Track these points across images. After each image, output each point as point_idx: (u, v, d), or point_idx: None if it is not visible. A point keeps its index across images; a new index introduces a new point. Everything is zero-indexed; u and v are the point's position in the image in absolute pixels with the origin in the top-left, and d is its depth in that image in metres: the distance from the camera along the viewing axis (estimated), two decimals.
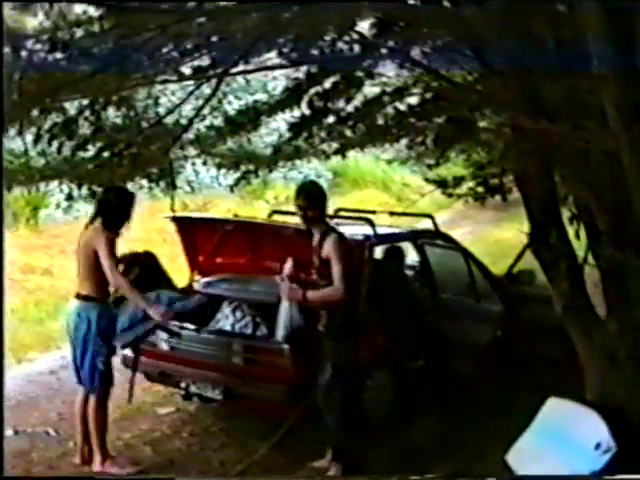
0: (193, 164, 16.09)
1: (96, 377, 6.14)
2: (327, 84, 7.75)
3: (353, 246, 6.73)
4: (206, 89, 7.80)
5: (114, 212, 6.17)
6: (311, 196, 6.16)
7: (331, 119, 8.42)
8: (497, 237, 18.92)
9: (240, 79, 20.47)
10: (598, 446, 5.47)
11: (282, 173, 20.54)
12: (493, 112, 7.31)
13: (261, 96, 17.30)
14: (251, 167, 8.95)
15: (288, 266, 6.15)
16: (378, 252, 7.60)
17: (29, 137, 5.63)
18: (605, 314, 5.85)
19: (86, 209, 16.57)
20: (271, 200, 21.73)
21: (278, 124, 12.85)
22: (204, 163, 10.45)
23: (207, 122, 8.03)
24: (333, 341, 6.10)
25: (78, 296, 6.17)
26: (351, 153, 10.04)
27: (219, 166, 9.30)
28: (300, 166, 21.12)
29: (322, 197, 6.20)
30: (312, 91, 7.90)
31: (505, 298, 7.69)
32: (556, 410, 6.04)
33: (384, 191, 27.09)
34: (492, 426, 6.83)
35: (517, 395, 7.14)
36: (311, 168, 23.07)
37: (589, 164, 5.17)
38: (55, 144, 5.33)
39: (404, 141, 10.33)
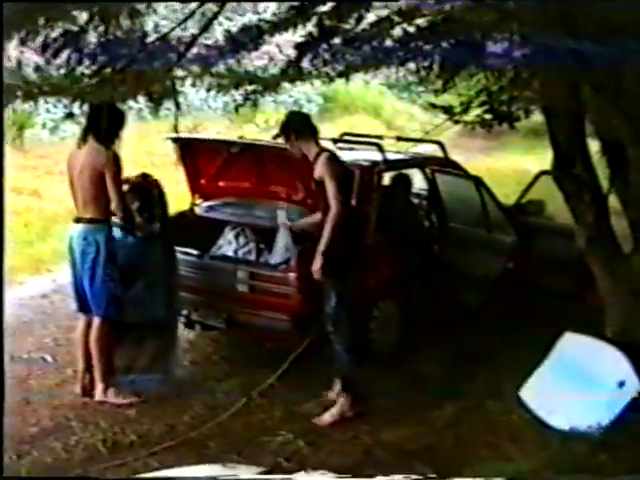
0: (182, 86, 15.74)
1: (108, 301, 5.94)
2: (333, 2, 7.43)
3: (362, 171, 6.50)
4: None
5: (107, 127, 5.90)
6: (283, 129, 6.03)
7: (336, 40, 8.11)
8: (489, 166, 18.67)
9: None
10: (622, 384, 5.33)
11: (272, 97, 20.22)
12: (510, 33, 7.02)
13: (252, 17, 16.88)
14: (255, 88, 8.65)
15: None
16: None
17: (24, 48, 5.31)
18: (630, 248, 5.66)
19: (73, 129, 16.28)
20: (261, 124, 21.41)
21: (269, 47, 12.55)
22: (193, 85, 10.12)
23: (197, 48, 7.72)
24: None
25: (80, 220, 5.92)
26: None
27: (209, 88, 8.99)
28: (290, 90, 20.80)
29: (294, 126, 5.98)
30: (320, 9, 7.57)
31: (517, 229, 7.44)
32: (573, 345, 5.90)
33: (375, 117, 26.81)
34: (503, 360, 6.67)
35: (528, 329, 6.99)
36: (301, 92, 22.76)
37: (623, 90, 4.92)
38: (62, 57, 4.98)
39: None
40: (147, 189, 6.10)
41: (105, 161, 5.81)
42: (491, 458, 5.16)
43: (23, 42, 4.61)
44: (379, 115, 27.56)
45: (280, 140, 7.27)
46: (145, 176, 6.14)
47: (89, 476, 5.08)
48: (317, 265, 5.69)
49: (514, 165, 18.84)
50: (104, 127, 5.89)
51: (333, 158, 5.80)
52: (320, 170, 5.71)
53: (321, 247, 5.68)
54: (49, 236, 10.55)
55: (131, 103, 7.21)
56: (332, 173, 5.67)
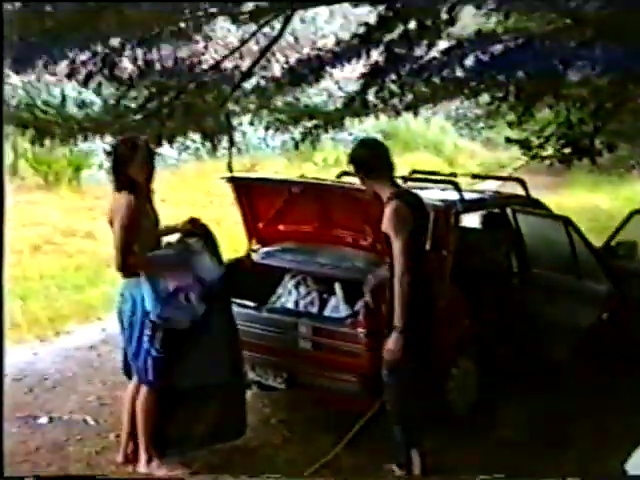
0: (240, 124, 15.41)
1: (150, 365, 5.17)
2: (400, 31, 6.91)
3: (437, 213, 5.80)
4: (253, 46, 7.08)
5: (121, 168, 5.06)
6: (354, 158, 5.15)
7: (404, 72, 7.60)
8: (557, 203, 17.91)
9: (288, 36, 19.88)
10: None
11: (330, 134, 19.88)
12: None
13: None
14: (316, 123, 8.18)
15: None
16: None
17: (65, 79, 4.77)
18: None
19: None
20: (320, 162, 21.04)
21: (327, 83, 12.17)
22: (251, 123, 9.72)
23: (254, 81, 7.26)
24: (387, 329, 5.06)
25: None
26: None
27: (268, 126, 8.58)
28: (349, 127, 20.36)
29: (370, 156, 5.12)
30: (385, 38, 7.05)
31: (611, 275, 6.65)
32: None
33: (436, 154, 26.34)
34: (598, 425, 5.95)
35: (627, 389, 6.23)
36: (361, 130, 22.36)
37: None
38: (93, 85, 4.38)
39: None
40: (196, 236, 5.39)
41: (117, 207, 5.01)
42: None
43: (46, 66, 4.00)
44: (440, 152, 27.13)
45: (345, 179, 6.65)
46: (193, 221, 5.42)
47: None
48: (397, 345, 4.90)
49: (582, 202, 18.14)
50: (118, 168, 5.09)
51: (402, 208, 4.92)
52: (385, 224, 4.93)
53: (398, 323, 4.88)
54: (101, 281, 10.02)
55: (187, 142, 6.70)
56: (398, 229, 4.86)
